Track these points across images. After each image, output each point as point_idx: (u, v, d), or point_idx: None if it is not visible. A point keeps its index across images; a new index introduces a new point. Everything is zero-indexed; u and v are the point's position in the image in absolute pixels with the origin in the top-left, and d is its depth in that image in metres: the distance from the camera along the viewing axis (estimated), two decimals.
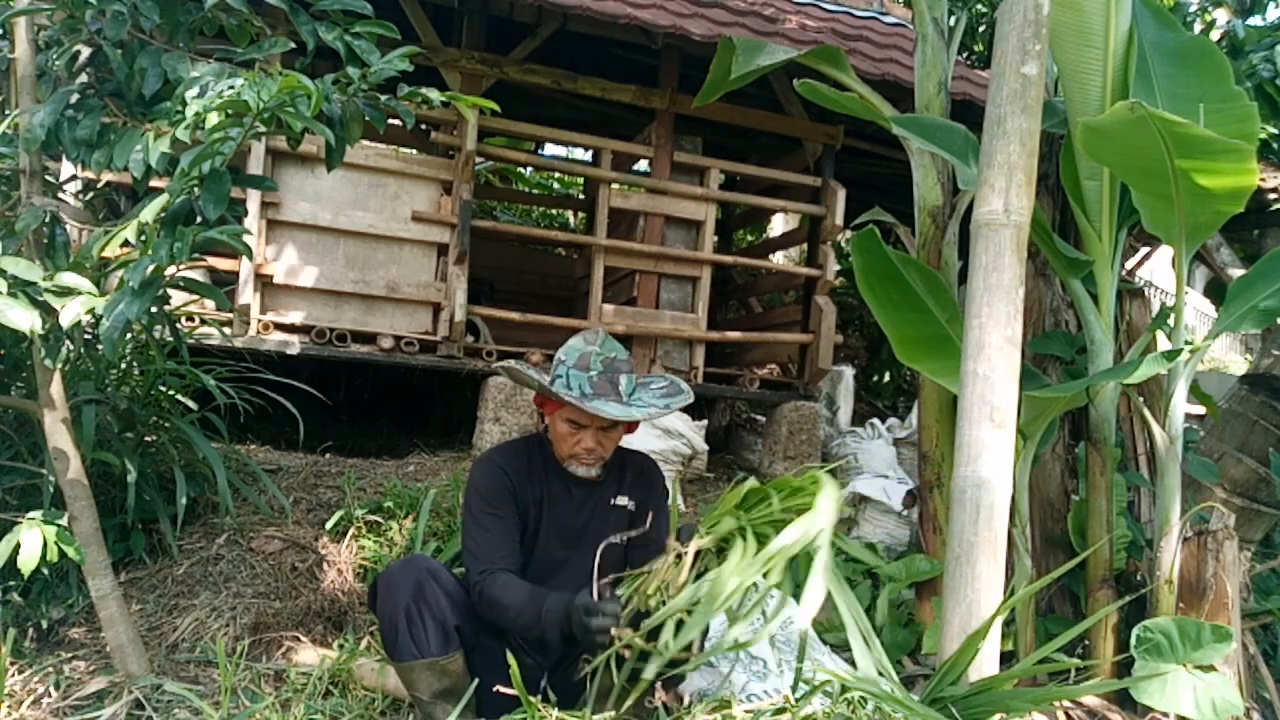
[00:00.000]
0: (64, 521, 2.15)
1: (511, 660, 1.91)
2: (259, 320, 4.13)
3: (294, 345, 4.17)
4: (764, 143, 5.99)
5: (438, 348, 4.42)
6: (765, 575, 1.83)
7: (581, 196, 7.23)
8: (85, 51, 2.16)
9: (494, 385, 4.39)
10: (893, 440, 5.23)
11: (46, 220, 2.13)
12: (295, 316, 4.22)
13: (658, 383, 2.38)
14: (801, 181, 5.21)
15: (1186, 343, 2.48)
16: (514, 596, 2.11)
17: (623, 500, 2.39)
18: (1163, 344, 2.69)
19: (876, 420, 5.42)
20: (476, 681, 2.17)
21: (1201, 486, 3.06)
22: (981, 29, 7.10)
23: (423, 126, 4.77)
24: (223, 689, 2.25)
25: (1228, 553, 2.52)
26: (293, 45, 2.09)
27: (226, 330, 3.87)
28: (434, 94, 1.97)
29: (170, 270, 1.99)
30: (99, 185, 2.63)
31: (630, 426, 2.34)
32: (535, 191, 8.72)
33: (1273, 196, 5.04)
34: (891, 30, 5.28)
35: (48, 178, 2.22)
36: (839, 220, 5.09)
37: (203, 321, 3.71)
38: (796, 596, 1.94)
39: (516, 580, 2.16)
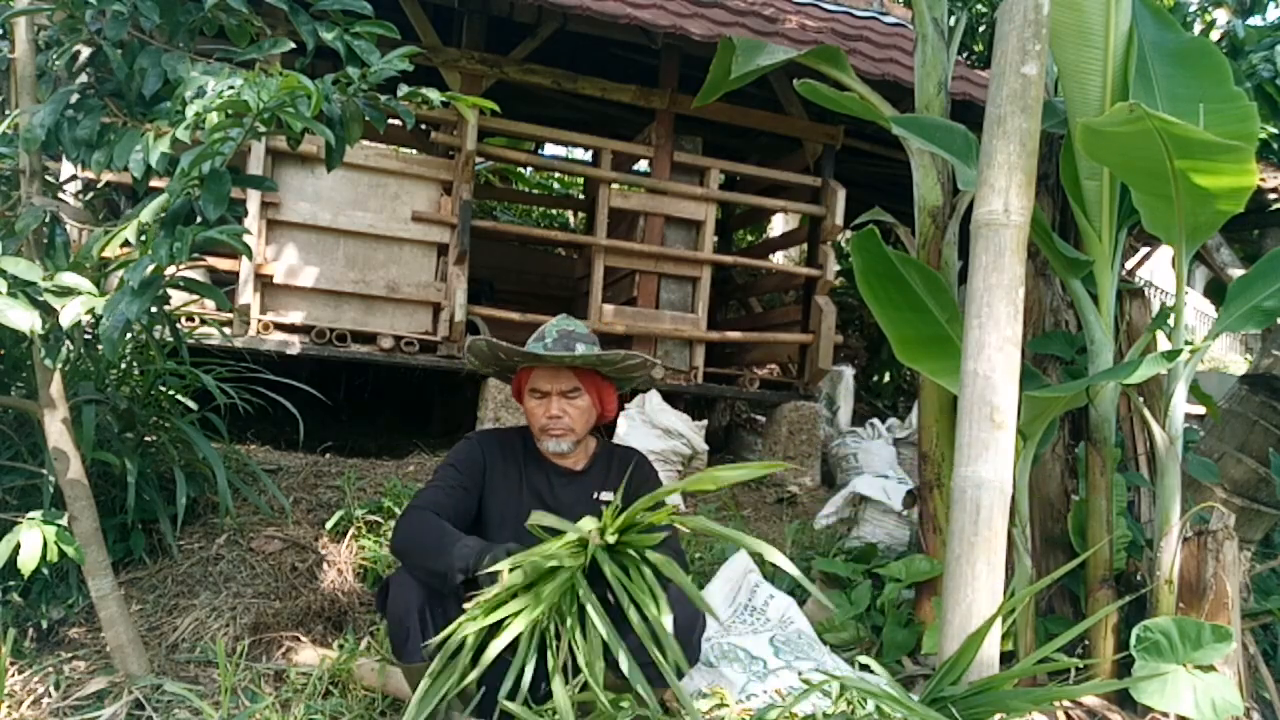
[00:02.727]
0: (64, 521, 2.15)
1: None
2: (259, 320, 4.13)
3: (294, 345, 4.17)
4: (764, 143, 5.99)
5: (438, 348, 4.42)
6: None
7: (581, 196, 7.23)
8: (85, 51, 2.16)
9: (494, 385, 4.39)
10: (893, 440, 5.23)
11: (46, 220, 2.13)
12: (295, 316, 4.22)
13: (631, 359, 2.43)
14: (801, 181, 5.21)
15: (1186, 343, 2.48)
16: (429, 535, 2.14)
17: (608, 495, 2.39)
18: (1163, 344, 2.68)
19: (876, 420, 5.43)
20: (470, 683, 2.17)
21: (1201, 486, 3.05)
22: (981, 29, 7.10)
23: (423, 126, 4.78)
24: (223, 689, 2.25)
25: (1228, 553, 2.52)
26: (293, 45, 2.09)
27: (226, 330, 3.87)
28: (434, 94, 1.97)
29: (170, 270, 1.99)
30: (99, 185, 2.63)
31: (604, 411, 2.40)
32: (535, 191, 8.72)
33: (1273, 196, 5.04)
34: (891, 30, 5.28)
35: (48, 178, 2.22)
36: (839, 220, 5.10)
37: (203, 321, 3.71)
38: (799, 600, 1.96)
39: (437, 520, 2.19)
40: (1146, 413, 2.66)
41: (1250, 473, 3.23)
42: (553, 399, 2.32)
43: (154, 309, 2.10)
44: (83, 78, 2.19)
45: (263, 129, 1.89)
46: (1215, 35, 5.96)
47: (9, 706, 2.23)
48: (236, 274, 4.09)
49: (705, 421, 4.76)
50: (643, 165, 5.49)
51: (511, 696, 2.00)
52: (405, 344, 4.34)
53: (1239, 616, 2.51)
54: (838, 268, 5.62)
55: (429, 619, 2.12)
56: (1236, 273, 4.07)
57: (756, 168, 5.39)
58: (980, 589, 2.03)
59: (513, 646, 2.19)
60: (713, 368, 5.19)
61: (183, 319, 3.59)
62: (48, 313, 1.89)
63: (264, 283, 4.16)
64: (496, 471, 2.35)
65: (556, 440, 2.34)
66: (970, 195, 2.69)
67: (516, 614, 1.91)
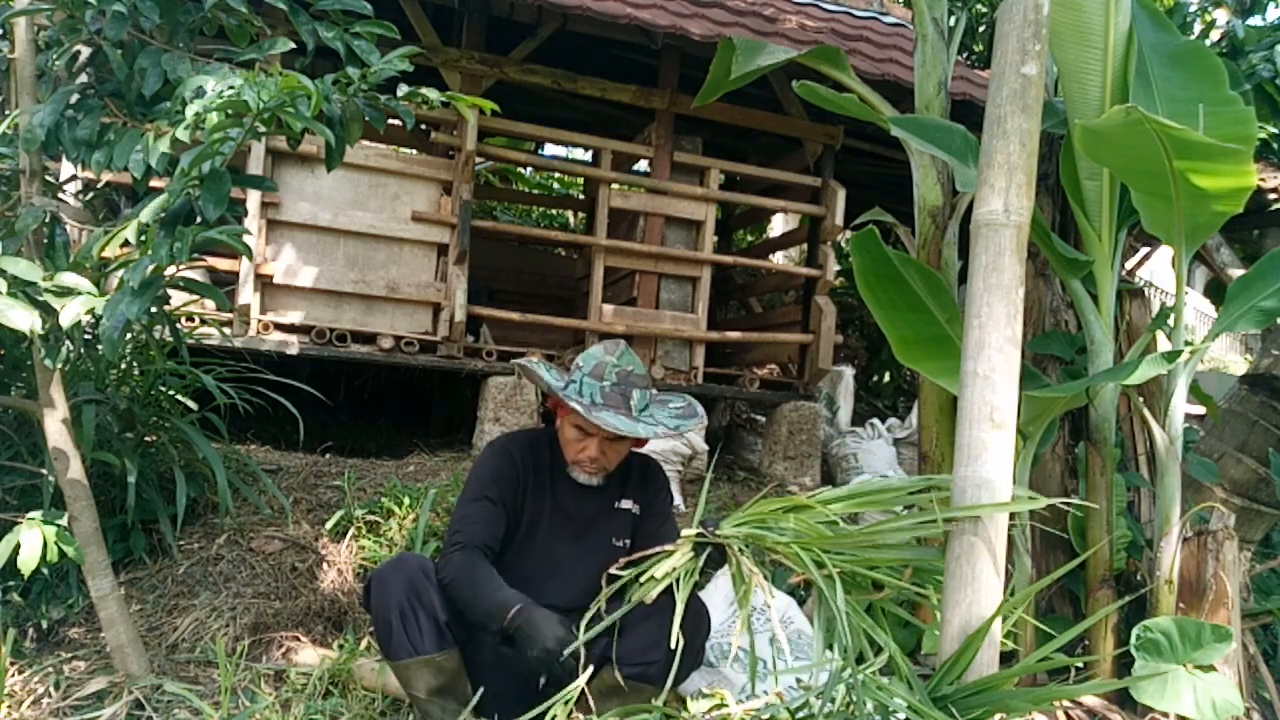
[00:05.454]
0: (64, 521, 2.15)
1: None
2: (259, 320, 4.13)
3: (294, 345, 4.17)
4: (764, 143, 5.99)
5: (438, 348, 4.42)
6: None
7: (581, 196, 7.23)
8: (85, 51, 2.17)
9: (494, 385, 4.39)
10: (893, 440, 5.23)
11: (46, 220, 2.13)
12: (295, 316, 4.22)
13: (675, 402, 2.40)
14: (801, 181, 5.21)
15: (1186, 343, 2.48)
16: (481, 585, 2.13)
17: (626, 504, 2.41)
18: (1163, 344, 2.68)
19: (876, 420, 5.43)
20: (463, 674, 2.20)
21: (1201, 486, 3.05)
22: (981, 29, 7.09)
23: (423, 126, 4.77)
24: (223, 689, 2.25)
25: (1228, 553, 2.52)
26: (293, 45, 2.09)
27: (226, 330, 3.87)
28: (434, 94, 1.97)
29: (170, 270, 1.99)
30: (99, 185, 2.63)
31: (638, 440, 2.34)
32: (535, 191, 8.71)
33: (1273, 196, 5.04)
34: (891, 30, 5.28)
35: (48, 178, 2.22)
36: (839, 220, 5.09)
37: (203, 321, 3.71)
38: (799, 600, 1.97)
39: (490, 570, 2.17)
40: (1146, 413, 2.66)
41: (1250, 473, 3.23)
42: (595, 441, 2.26)
43: (154, 309, 2.10)
44: (83, 78, 2.19)
45: (263, 129, 1.89)
46: (1215, 35, 5.95)
47: (9, 706, 2.23)
48: (236, 274, 4.08)
49: (705, 421, 4.76)
50: (643, 165, 5.49)
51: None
52: (405, 344, 4.34)
53: (1239, 616, 2.51)
54: (838, 268, 5.62)
55: (410, 614, 2.13)
56: (1236, 273, 4.07)
57: (756, 168, 5.38)
58: (980, 589, 2.03)
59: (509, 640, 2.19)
60: (713, 368, 5.18)
61: (183, 319, 3.59)
62: (48, 313, 1.89)
63: (264, 283, 4.15)
64: (530, 482, 2.34)
65: (589, 475, 2.33)
66: (970, 195, 2.69)
67: None
